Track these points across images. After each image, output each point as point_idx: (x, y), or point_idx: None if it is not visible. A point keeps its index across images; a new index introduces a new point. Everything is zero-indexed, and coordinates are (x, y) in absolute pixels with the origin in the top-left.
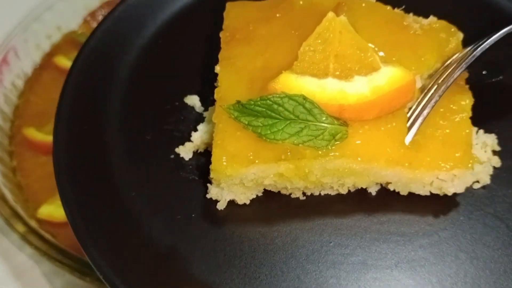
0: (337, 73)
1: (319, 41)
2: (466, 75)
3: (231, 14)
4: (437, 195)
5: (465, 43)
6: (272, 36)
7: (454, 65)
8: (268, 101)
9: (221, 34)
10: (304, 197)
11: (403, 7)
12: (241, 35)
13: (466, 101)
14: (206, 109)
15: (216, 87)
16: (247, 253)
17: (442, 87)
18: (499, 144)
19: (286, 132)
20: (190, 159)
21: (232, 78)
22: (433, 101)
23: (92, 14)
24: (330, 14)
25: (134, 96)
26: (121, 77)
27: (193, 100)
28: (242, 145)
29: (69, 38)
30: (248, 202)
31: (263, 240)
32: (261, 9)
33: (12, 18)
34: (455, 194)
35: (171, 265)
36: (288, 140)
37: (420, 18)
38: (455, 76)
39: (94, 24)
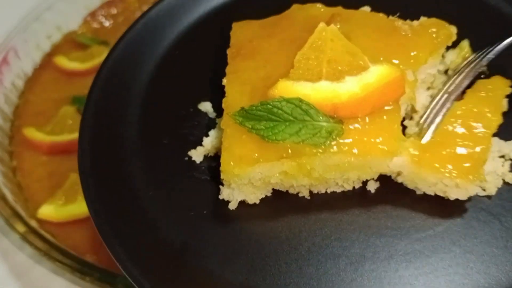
0: (330, 76)
1: (312, 49)
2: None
3: (237, 33)
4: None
5: (473, 47)
6: (273, 50)
7: (463, 73)
8: (268, 105)
9: (228, 51)
10: (310, 197)
11: (398, 14)
12: (245, 50)
13: (496, 117)
14: (218, 115)
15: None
16: (254, 246)
17: (451, 97)
18: None
19: (286, 133)
20: (201, 162)
21: (237, 89)
22: (444, 109)
23: (92, 14)
24: (321, 25)
25: (153, 104)
26: (141, 86)
27: (206, 107)
28: (248, 147)
29: (69, 38)
30: (258, 201)
31: (269, 235)
32: (263, 27)
33: (12, 18)
34: None
35: (185, 258)
36: (289, 140)
37: (412, 21)
38: (463, 86)
39: (94, 24)
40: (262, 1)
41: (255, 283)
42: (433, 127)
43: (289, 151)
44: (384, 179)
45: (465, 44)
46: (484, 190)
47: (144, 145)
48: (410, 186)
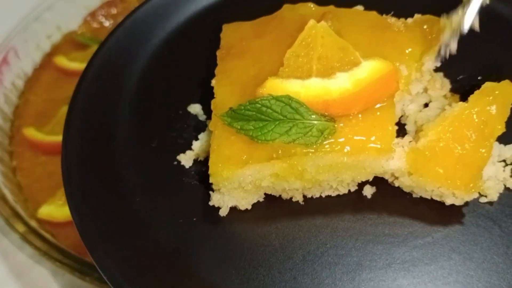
0: (320, 72)
1: (302, 46)
2: None
3: (227, 34)
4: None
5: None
6: (263, 49)
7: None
8: (256, 104)
9: (218, 52)
10: (304, 202)
11: (392, 13)
12: (235, 50)
13: (500, 125)
14: (208, 117)
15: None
16: (246, 254)
17: None
18: None
19: (276, 132)
20: (190, 166)
21: (226, 90)
22: None
23: (92, 14)
24: (311, 22)
25: (141, 105)
26: (129, 87)
27: (196, 109)
28: (237, 148)
29: (69, 38)
30: (249, 207)
31: (261, 242)
32: (253, 27)
33: (12, 18)
34: None
35: (175, 266)
36: (279, 140)
37: (406, 19)
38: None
39: (94, 24)
40: (253, 1)
41: None
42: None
43: (280, 151)
44: (380, 184)
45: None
46: (485, 196)
47: (132, 149)
48: (406, 189)
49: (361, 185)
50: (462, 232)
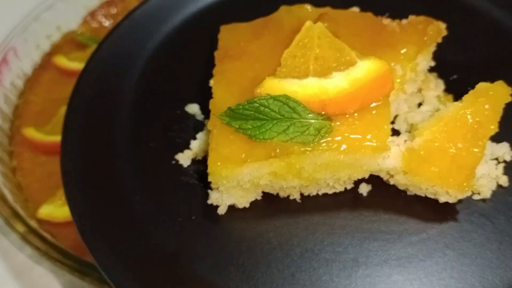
0: (317, 72)
1: (299, 47)
2: None
3: (225, 36)
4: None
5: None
6: (261, 51)
7: None
8: (254, 103)
9: (216, 53)
10: (301, 200)
11: (387, 14)
12: (233, 52)
13: (493, 126)
14: (206, 117)
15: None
16: (245, 252)
17: None
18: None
19: (274, 131)
20: (188, 165)
21: (224, 90)
22: None
23: (92, 14)
24: (308, 23)
25: (139, 106)
26: (127, 88)
27: (194, 109)
28: (235, 147)
29: (69, 38)
30: (248, 205)
31: (260, 240)
32: (251, 29)
33: (11, 18)
34: None
35: (174, 264)
36: (277, 138)
37: (401, 20)
38: None
39: (94, 24)
40: (250, 2)
41: None
42: None
43: (278, 150)
44: (376, 182)
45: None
46: (478, 193)
47: (131, 149)
48: (401, 187)
49: (357, 183)
50: (456, 228)
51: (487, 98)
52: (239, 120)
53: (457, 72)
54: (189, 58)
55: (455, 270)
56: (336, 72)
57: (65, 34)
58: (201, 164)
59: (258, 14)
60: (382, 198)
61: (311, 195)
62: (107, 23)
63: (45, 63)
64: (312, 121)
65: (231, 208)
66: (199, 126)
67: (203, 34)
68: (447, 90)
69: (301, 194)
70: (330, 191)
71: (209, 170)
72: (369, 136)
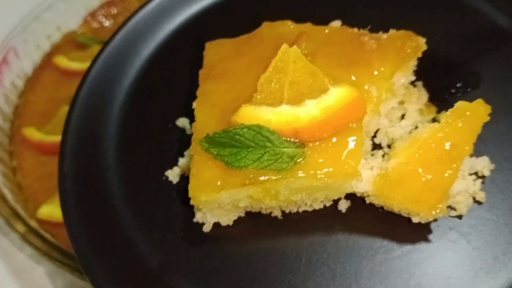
0: (291, 99)
1: (275, 72)
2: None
3: (210, 53)
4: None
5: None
6: (242, 70)
7: None
8: (230, 133)
9: (200, 72)
10: (282, 216)
11: (369, 27)
12: (216, 71)
13: (468, 147)
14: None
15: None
16: (230, 268)
17: None
18: (491, 168)
19: (249, 159)
20: (177, 182)
21: (206, 113)
22: None
23: (92, 14)
24: (284, 46)
25: (130, 120)
26: (119, 102)
27: (184, 123)
28: (214, 173)
29: (69, 38)
30: (231, 223)
31: (243, 257)
32: (234, 46)
33: (12, 18)
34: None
35: (159, 280)
36: (252, 166)
37: (381, 34)
38: None
39: (94, 24)
40: (236, 17)
41: None
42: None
43: (253, 177)
44: (355, 197)
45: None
46: (455, 210)
47: (122, 163)
48: (377, 205)
49: (336, 200)
50: (430, 246)
51: (465, 118)
52: (217, 147)
53: (443, 79)
54: (179, 72)
55: (424, 287)
56: (309, 100)
57: (65, 34)
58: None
59: (244, 27)
60: (361, 214)
61: (291, 212)
62: (107, 23)
63: (45, 63)
64: (285, 149)
65: (216, 225)
66: (188, 140)
67: (192, 47)
68: (433, 99)
69: (282, 211)
70: (310, 209)
71: (190, 195)
72: (341, 162)
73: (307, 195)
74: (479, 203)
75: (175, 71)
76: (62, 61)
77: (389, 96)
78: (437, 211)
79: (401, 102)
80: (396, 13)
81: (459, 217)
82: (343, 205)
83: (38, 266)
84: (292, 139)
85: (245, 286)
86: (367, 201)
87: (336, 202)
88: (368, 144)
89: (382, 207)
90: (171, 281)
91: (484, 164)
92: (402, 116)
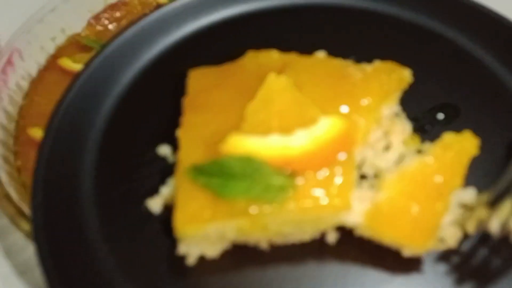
0: (280, 129)
1: (262, 101)
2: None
3: (192, 81)
4: None
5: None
6: (226, 100)
7: None
8: (218, 163)
9: (184, 100)
10: (269, 249)
11: (354, 57)
12: (199, 100)
13: (457, 182)
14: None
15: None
16: None
17: None
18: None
19: (237, 190)
20: (159, 212)
21: (191, 142)
22: None
23: (96, 17)
24: (271, 76)
25: (108, 148)
26: (96, 129)
27: (165, 151)
28: (200, 204)
29: (73, 40)
30: (217, 256)
31: None
32: (217, 74)
33: (16, 20)
34: None
35: None
36: (240, 197)
37: (365, 65)
38: None
39: (98, 27)
40: (218, 45)
41: None
42: None
43: (242, 208)
44: (344, 230)
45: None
46: (444, 241)
47: (99, 194)
48: (366, 237)
49: (324, 232)
50: (422, 278)
51: (454, 152)
52: (204, 177)
53: (424, 108)
54: (161, 99)
55: None
56: (299, 130)
57: (69, 36)
58: (171, 211)
59: (227, 53)
60: (350, 246)
61: (279, 244)
62: (111, 26)
63: (50, 65)
64: (275, 180)
65: (201, 258)
66: (170, 169)
67: (173, 73)
68: (416, 129)
69: (270, 244)
70: (298, 242)
71: (174, 227)
72: (331, 194)
73: (296, 227)
74: (468, 235)
75: (155, 99)
76: (67, 63)
77: (375, 127)
78: (429, 245)
79: (385, 133)
80: (380, 44)
81: (450, 250)
82: (332, 238)
83: None
84: (282, 170)
85: None
86: (356, 234)
87: (324, 234)
88: (355, 174)
89: (371, 240)
90: None
91: (472, 195)
92: (386, 147)
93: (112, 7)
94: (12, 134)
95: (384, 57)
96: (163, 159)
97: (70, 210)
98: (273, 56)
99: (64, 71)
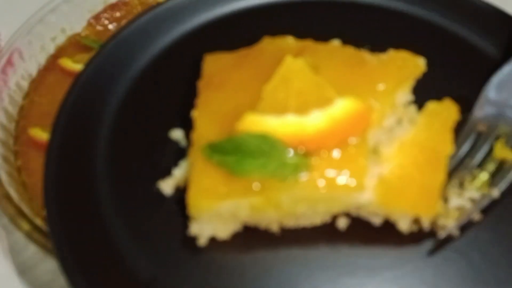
0: (297, 108)
1: (280, 81)
2: None
3: (208, 64)
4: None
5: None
6: (243, 81)
7: None
8: (234, 140)
9: (199, 82)
10: (280, 232)
11: (368, 47)
12: (215, 81)
13: (449, 147)
14: (189, 143)
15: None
16: (224, 282)
17: None
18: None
19: (252, 167)
20: (171, 194)
21: (206, 121)
22: None
23: (96, 17)
24: (289, 57)
25: (122, 130)
26: (110, 112)
27: (177, 135)
28: (215, 181)
29: (74, 40)
30: (228, 237)
31: (239, 272)
32: (234, 58)
33: (16, 20)
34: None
35: None
36: (255, 174)
37: (380, 54)
38: None
39: (98, 27)
40: (234, 33)
41: None
42: None
43: (257, 185)
44: (354, 215)
45: None
46: (444, 228)
47: (112, 175)
48: (371, 217)
49: (336, 216)
50: (431, 264)
51: (441, 119)
52: (219, 154)
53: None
54: (174, 84)
55: None
56: (315, 110)
57: (69, 36)
58: (183, 192)
59: (243, 42)
60: (360, 231)
61: (290, 228)
62: (111, 26)
63: (50, 65)
64: (290, 157)
65: (212, 239)
66: (182, 153)
67: (188, 59)
68: None
69: (281, 227)
70: (309, 225)
71: (189, 203)
72: (346, 173)
73: (309, 207)
74: (472, 223)
75: (169, 84)
76: (67, 63)
77: (389, 113)
78: (437, 208)
79: (398, 120)
80: (393, 38)
81: (456, 236)
82: (342, 223)
83: (42, 263)
84: (297, 149)
85: None
86: (364, 214)
87: (335, 219)
88: (369, 156)
89: (383, 225)
90: None
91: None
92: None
93: (112, 7)
94: (12, 134)
95: (398, 47)
96: (175, 143)
97: (82, 186)
98: (289, 41)
99: (64, 71)
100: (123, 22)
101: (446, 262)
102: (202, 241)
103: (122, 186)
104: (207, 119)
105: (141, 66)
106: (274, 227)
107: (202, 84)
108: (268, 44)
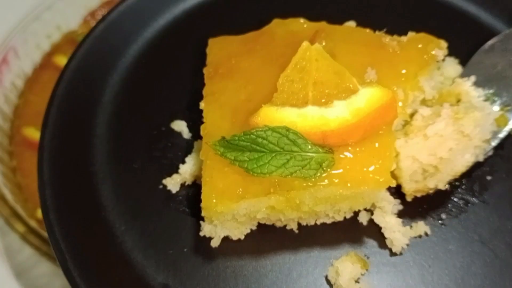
0: (316, 100)
1: (297, 71)
2: None
3: (214, 50)
4: (426, 219)
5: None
6: (254, 69)
7: None
8: (251, 135)
9: (205, 70)
10: (298, 230)
11: (385, 29)
12: (223, 69)
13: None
14: (193, 135)
15: (203, 122)
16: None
17: None
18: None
19: (273, 165)
20: (177, 191)
21: (217, 114)
22: None
23: (92, 14)
24: (305, 44)
25: (119, 122)
26: (105, 102)
27: (180, 126)
28: (231, 180)
29: (69, 38)
30: (242, 237)
31: (256, 275)
32: (242, 43)
33: (11, 18)
34: (442, 218)
35: None
36: (275, 173)
37: (400, 37)
38: None
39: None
40: (241, 14)
41: None
42: None
43: (277, 185)
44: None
45: None
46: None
47: (112, 172)
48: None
49: (357, 211)
50: (457, 258)
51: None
52: (234, 152)
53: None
54: (176, 69)
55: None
56: (337, 101)
57: (65, 34)
58: (190, 189)
59: (249, 26)
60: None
61: (308, 224)
62: None
63: (45, 63)
64: (314, 154)
65: (225, 239)
66: (186, 146)
67: (189, 43)
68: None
69: (299, 224)
70: (329, 221)
71: (202, 205)
72: (372, 169)
73: (331, 205)
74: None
75: (169, 69)
76: (62, 61)
77: (413, 98)
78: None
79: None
80: (413, 16)
81: (476, 221)
82: (364, 217)
83: (37, 265)
84: (319, 144)
85: None
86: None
87: (356, 214)
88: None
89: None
90: None
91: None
92: None
93: (108, 4)
94: (7, 134)
95: (415, 30)
96: (178, 134)
97: (81, 187)
98: (301, 24)
99: (59, 70)
100: None
101: (472, 256)
102: (215, 242)
103: (123, 186)
104: (216, 111)
105: (136, 50)
106: (293, 225)
107: (208, 72)
108: (279, 27)
